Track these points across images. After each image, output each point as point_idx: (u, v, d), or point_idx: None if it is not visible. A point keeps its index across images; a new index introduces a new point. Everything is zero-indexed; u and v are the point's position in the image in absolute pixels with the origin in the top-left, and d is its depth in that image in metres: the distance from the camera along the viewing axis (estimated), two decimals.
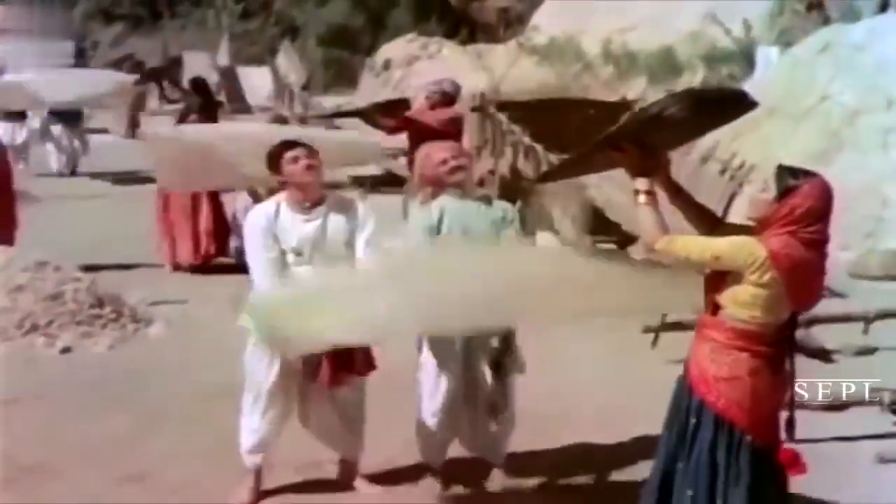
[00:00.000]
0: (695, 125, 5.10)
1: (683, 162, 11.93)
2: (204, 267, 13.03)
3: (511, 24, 30.28)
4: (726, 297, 4.79)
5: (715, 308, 4.85)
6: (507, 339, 6.88)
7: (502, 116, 11.90)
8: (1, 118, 19.88)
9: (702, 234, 5.00)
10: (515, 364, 6.92)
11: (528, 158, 11.44)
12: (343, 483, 7.06)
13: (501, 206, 6.94)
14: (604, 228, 11.00)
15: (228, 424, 7.02)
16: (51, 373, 9.22)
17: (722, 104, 5.06)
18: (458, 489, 7.04)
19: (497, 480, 7.08)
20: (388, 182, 16.80)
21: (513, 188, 11.60)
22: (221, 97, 24.88)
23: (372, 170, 17.44)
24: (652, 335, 9.30)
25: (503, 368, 6.86)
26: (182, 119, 15.78)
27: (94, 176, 19.65)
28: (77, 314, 10.08)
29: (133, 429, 7.97)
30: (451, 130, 11.40)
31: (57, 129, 20.51)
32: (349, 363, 6.59)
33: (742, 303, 4.75)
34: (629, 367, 9.23)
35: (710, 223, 5.08)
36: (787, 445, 4.91)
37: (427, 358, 6.84)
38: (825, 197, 4.76)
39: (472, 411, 6.92)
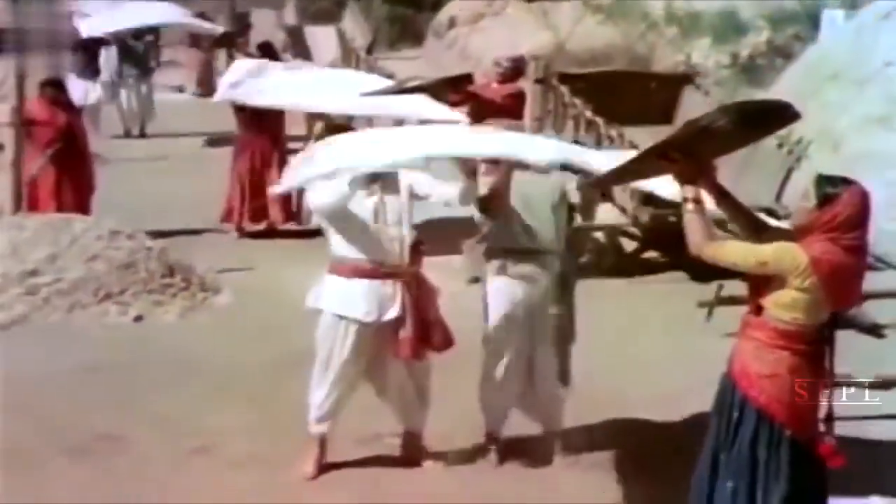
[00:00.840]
0: (741, 136, 5.28)
1: None
2: (270, 233, 13.33)
3: None
4: (769, 300, 5.02)
5: (758, 309, 5.07)
6: (569, 306, 7.21)
7: (564, 89, 12.04)
8: (75, 76, 20.05)
9: (746, 238, 5.20)
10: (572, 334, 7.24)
11: (589, 132, 11.60)
12: (407, 456, 7.34)
13: (559, 177, 7.16)
14: (660, 199, 11.14)
15: (294, 396, 7.34)
16: (124, 341, 9.57)
17: (766, 116, 5.23)
18: (515, 464, 7.33)
19: (551, 453, 7.36)
20: None
21: None
22: (288, 56, 25.24)
23: None
24: (706, 309, 9.47)
25: (565, 335, 7.18)
26: None
27: (164, 136, 19.84)
28: (149, 283, 10.42)
29: (201, 399, 8.28)
30: (512, 105, 11.63)
31: (126, 88, 20.75)
32: (429, 338, 6.90)
33: (784, 305, 4.98)
34: (684, 341, 9.44)
35: (755, 227, 5.28)
36: (827, 438, 5.13)
37: (492, 326, 7.14)
38: (863, 204, 4.97)
39: (532, 377, 7.23)
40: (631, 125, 12.66)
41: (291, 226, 13.32)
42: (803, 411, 5.06)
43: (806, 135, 11.51)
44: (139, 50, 21.19)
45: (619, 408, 8.04)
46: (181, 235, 12.66)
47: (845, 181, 5.05)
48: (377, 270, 6.84)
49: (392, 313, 6.86)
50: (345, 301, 6.87)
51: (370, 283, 6.84)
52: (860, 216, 4.93)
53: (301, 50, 25.16)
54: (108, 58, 20.32)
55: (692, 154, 5.10)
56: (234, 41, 23.56)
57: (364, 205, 6.84)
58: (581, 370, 7.62)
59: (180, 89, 24.99)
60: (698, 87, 12.93)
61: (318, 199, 6.81)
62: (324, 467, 7.18)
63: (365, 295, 6.83)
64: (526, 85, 12.70)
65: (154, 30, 23.21)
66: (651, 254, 11.94)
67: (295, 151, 10.52)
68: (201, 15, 26.36)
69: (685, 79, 13.07)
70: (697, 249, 5.06)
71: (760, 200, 11.37)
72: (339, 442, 7.29)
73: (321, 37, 24.95)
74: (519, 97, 11.99)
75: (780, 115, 5.22)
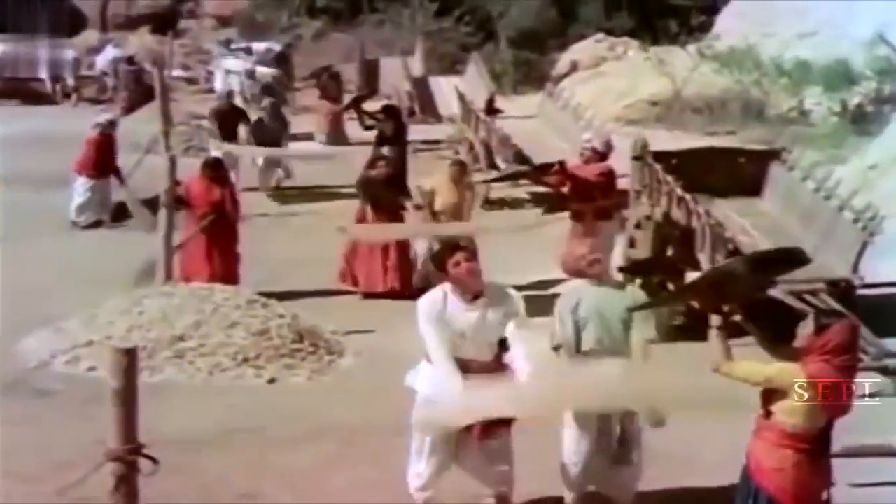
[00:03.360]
0: (759, 278, 6.44)
1: (824, 207, 13.03)
2: (392, 294, 14.46)
3: (693, 31, 31.13)
4: (776, 407, 6.20)
5: (768, 414, 6.22)
6: None
7: (658, 166, 13.15)
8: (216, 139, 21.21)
9: (766, 350, 6.34)
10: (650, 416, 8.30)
11: (680, 207, 12.69)
12: None
13: (632, 292, 8.35)
14: None
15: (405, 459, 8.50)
16: (259, 402, 10.87)
17: (779, 261, 6.38)
18: None
19: None
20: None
21: (665, 234, 12.88)
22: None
23: None
24: None
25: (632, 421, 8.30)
26: (378, 145, 17.49)
27: (296, 191, 20.78)
28: (281, 348, 11.74)
29: (327, 457, 9.53)
30: (604, 182, 12.85)
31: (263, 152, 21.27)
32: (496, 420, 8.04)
33: (787, 412, 6.15)
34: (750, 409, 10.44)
35: (773, 343, 6.42)
36: None
37: (569, 419, 8.31)
38: (853, 334, 6.13)
39: (606, 461, 8.36)
40: (722, 197, 13.73)
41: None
42: (805, 498, 6.18)
43: (880, 211, 12.42)
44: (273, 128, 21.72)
45: (691, 473, 9.09)
46: (311, 297, 13.93)
47: (839, 314, 6.19)
48: (466, 366, 8.01)
49: None
50: (435, 386, 8.05)
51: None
52: (849, 343, 6.09)
53: (426, 102, 26.32)
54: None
55: (720, 291, 6.26)
56: (360, 105, 24.90)
57: (466, 317, 8.02)
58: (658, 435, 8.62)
59: (310, 137, 25.71)
60: (784, 162, 13.85)
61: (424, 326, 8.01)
62: None
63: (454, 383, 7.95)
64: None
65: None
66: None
67: None
68: (328, 69, 27.81)
69: (772, 154, 14.03)
70: (716, 366, 6.24)
71: (837, 271, 12.39)
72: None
73: (446, 89, 26.09)
74: (609, 175, 13.24)
75: (792, 259, 6.36)
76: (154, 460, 5.73)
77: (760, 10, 30.29)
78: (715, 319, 6.29)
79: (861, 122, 24.10)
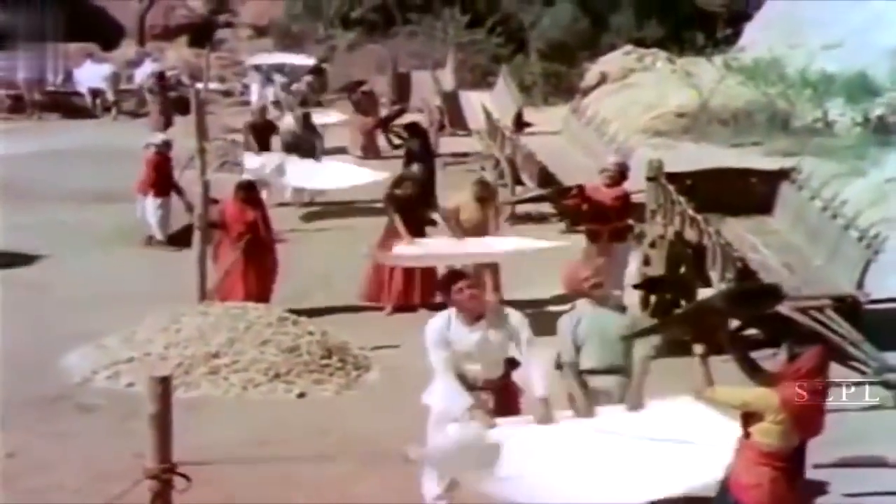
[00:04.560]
0: (738, 312, 7.04)
1: (831, 226, 13.55)
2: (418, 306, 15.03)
3: (719, 43, 31.61)
4: (753, 429, 6.78)
5: (747, 434, 6.79)
6: None
7: (671, 187, 13.71)
8: (252, 151, 21.80)
9: (746, 375, 6.93)
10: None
11: (692, 227, 13.24)
12: None
13: (630, 317, 8.94)
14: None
15: None
16: (288, 416, 11.50)
17: (758, 296, 6.98)
18: None
19: None
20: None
21: (678, 252, 13.45)
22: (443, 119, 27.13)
23: None
24: None
25: None
26: (406, 163, 18.08)
27: (327, 207, 21.20)
28: (310, 364, 12.37)
29: (352, 469, 10.13)
30: (620, 205, 13.44)
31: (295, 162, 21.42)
32: None
33: (763, 433, 6.72)
34: None
35: (753, 369, 7.02)
36: None
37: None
38: (823, 359, 6.70)
39: None
40: (734, 216, 14.28)
41: None
42: None
43: (883, 231, 12.93)
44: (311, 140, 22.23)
45: None
46: (340, 314, 14.56)
47: (811, 341, 6.76)
48: (477, 383, 8.65)
49: None
50: (446, 401, 8.69)
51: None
52: (820, 367, 6.67)
53: (456, 115, 26.91)
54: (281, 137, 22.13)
55: (702, 323, 6.86)
56: (389, 124, 25.49)
57: (469, 338, 8.66)
58: None
59: (343, 151, 26.05)
60: (793, 182, 14.38)
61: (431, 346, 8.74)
62: None
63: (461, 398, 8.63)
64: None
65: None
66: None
67: None
68: (360, 84, 28.39)
69: (782, 174, 14.56)
70: (699, 391, 6.82)
71: (843, 287, 12.90)
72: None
73: (475, 103, 26.65)
74: (625, 198, 13.83)
75: (769, 295, 6.96)
76: (187, 478, 6.34)
77: (787, 21, 30.71)
78: (698, 348, 6.88)
79: (883, 132, 24.55)
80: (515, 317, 8.85)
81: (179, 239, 17.85)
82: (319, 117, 24.13)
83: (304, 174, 20.70)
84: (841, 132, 25.82)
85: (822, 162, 22.42)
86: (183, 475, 6.36)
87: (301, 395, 12.06)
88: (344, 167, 21.77)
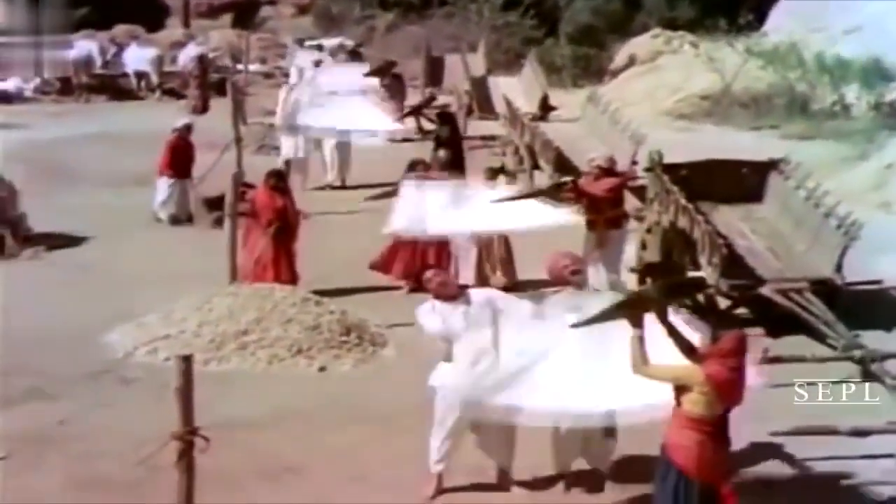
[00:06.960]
0: (670, 300, 8.24)
1: (813, 214, 14.62)
2: None
3: (742, 28, 32.42)
4: (683, 398, 8.01)
5: (678, 403, 7.99)
6: None
7: (666, 177, 14.84)
8: (284, 133, 22.84)
9: (681, 353, 8.09)
10: None
11: (685, 215, 14.36)
12: (500, 486, 10.33)
13: (609, 297, 10.05)
14: (739, 272, 13.85)
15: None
16: (309, 388, 12.69)
17: (686, 287, 8.20)
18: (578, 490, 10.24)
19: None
20: None
21: (671, 239, 14.60)
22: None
23: None
24: None
25: None
26: (435, 148, 19.16)
27: (362, 188, 21.85)
28: (330, 340, 13.51)
29: (365, 436, 11.30)
30: (612, 196, 14.55)
31: (329, 142, 22.68)
32: None
33: (691, 402, 7.96)
34: None
35: (688, 348, 8.17)
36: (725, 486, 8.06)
37: None
38: (740, 343, 7.92)
39: (599, 435, 10.07)
40: (726, 204, 15.40)
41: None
42: (706, 469, 8.02)
43: (860, 218, 13.99)
44: None
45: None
46: (361, 293, 15.67)
47: (732, 328, 7.96)
48: None
49: None
50: (448, 378, 9.95)
51: None
52: (737, 349, 7.87)
53: (484, 100, 27.97)
54: None
55: (640, 309, 8.06)
56: (421, 111, 26.41)
57: (454, 315, 9.91)
58: None
59: (373, 134, 27.13)
60: (781, 172, 15.45)
61: (428, 325, 10.04)
62: (441, 490, 10.22)
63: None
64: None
65: None
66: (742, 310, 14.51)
67: None
68: (393, 65, 29.15)
69: (772, 165, 15.64)
70: (636, 368, 8.03)
71: (823, 271, 13.97)
72: (455, 472, 10.31)
73: (503, 88, 27.64)
74: (617, 189, 14.89)
75: (696, 286, 8.18)
76: (206, 439, 7.59)
77: (810, 5, 31.47)
78: (636, 331, 8.09)
79: (895, 117, 25.44)
80: (477, 294, 10.31)
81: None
82: None
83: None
84: (858, 115, 26.66)
85: (835, 144, 23.54)
86: (203, 437, 7.59)
87: (321, 369, 13.20)
88: None
